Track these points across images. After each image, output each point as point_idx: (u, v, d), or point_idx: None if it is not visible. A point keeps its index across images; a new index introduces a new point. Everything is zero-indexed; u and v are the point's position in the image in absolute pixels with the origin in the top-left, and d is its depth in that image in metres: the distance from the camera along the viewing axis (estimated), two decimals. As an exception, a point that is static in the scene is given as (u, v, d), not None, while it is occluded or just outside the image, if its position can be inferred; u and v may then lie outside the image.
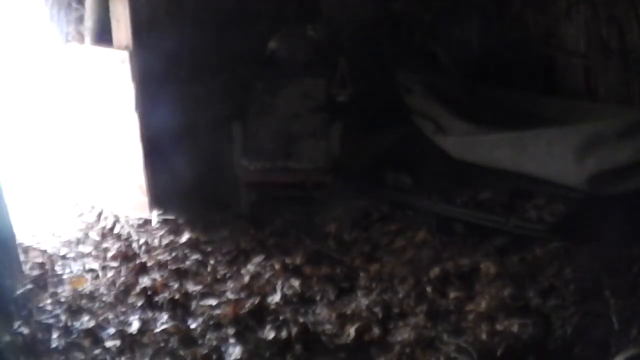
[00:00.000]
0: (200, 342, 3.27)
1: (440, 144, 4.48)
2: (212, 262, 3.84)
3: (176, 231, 4.09)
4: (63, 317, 3.45)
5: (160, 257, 3.88)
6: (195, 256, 3.88)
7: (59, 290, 3.67)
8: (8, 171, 4.09)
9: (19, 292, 3.57)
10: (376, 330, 3.24)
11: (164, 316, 3.46)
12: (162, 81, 4.13)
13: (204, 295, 3.59)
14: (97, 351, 3.26)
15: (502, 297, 3.33)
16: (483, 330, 3.14)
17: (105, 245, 4.03)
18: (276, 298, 3.51)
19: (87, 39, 4.13)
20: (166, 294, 3.60)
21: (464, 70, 4.90)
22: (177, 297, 3.57)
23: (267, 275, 3.69)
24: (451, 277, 3.52)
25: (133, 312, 3.50)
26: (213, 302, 3.53)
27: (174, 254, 3.90)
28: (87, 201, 4.37)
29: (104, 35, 4.08)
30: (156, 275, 3.75)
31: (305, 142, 4.30)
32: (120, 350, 3.26)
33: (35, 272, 3.77)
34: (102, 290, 3.66)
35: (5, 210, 3.59)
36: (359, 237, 3.93)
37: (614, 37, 4.37)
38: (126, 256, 3.92)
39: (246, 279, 3.68)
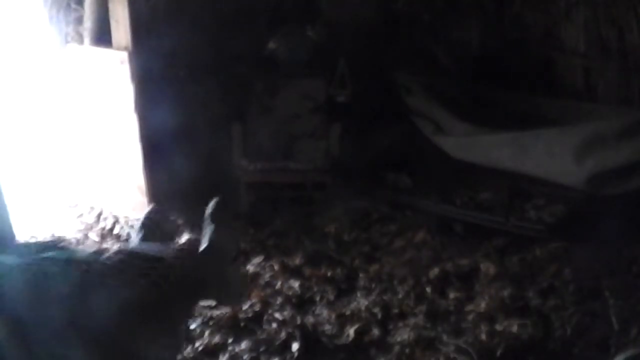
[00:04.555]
0: (199, 342, 3.27)
1: (440, 144, 4.47)
2: (211, 262, 3.83)
3: (176, 232, 4.08)
4: (62, 318, 3.45)
5: (159, 258, 3.88)
6: (195, 257, 3.88)
7: (59, 291, 3.67)
8: (8, 171, 4.09)
9: (18, 293, 3.57)
10: (376, 331, 3.24)
11: (164, 317, 3.46)
12: (161, 81, 4.13)
13: (203, 295, 3.59)
14: (96, 352, 3.26)
15: (502, 297, 3.33)
16: (483, 331, 3.14)
17: (104, 246, 4.03)
18: (276, 298, 3.51)
19: (87, 39, 4.13)
20: (166, 295, 3.60)
21: (463, 71, 4.89)
22: (176, 297, 3.57)
23: (266, 276, 3.69)
24: (451, 278, 3.52)
25: (132, 312, 3.50)
26: (213, 302, 3.53)
27: (173, 255, 3.90)
28: (86, 202, 4.37)
29: (103, 36, 4.07)
30: (156, 276, 3.75)
31: (304, 143, 4.31)
32: (120, 351, 3.26)
33: (35, 273, 3.77)
34: (102, 291, 3.67)
35: (5, 211, 3.59)
36: (359, 238, 3.92)
37: (614, 37, 4.37)
38: (126, 257, 3.92)
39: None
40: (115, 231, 4.14)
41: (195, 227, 4.03)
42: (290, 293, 3.54)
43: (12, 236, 3.68)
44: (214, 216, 2.23)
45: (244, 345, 3.24)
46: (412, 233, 3.89)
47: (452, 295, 3.41)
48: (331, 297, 3.51)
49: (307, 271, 3.70)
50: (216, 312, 3.45)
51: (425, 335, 3.18)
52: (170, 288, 2.21)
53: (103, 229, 4.18)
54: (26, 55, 4.26)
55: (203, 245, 2.31)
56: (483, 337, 3.11)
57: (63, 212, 4.35)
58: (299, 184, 4.30)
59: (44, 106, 4.39)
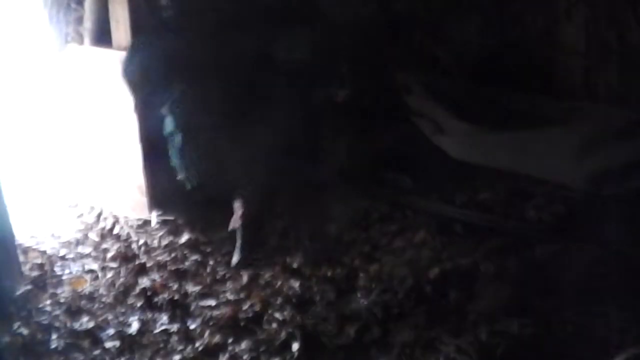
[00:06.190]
0: (199, 342, 3.27)
1: (440, 144, 4.47)
2: (211, 262, 3.84)
3: (175, 232, 4.09)
4: (62, 318, 3.46)
5: (159, 258, 3.88)
6: (195, 257, 3.88)
7: (59, 291, 3.67)
8: (8, 171, 4.09)
9: (18, 293, 3.57)
10: (376, 331, 3.24)
11: (164, 317, 3.47)
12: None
13: (203, 295, 3.59)
14: (96, 352, 3.27)
15: (502, 297, 3.33)
16: (483, 331, 3.14)
17: (104, 246, 4.03)
18: (276, 299, 3.51)
19: (87, 39, 4.13)
20: (165, 295, 3.60)
21: (463, 71, 4.89)
22: (176, 297, 3.58)
23: (266, 276, 3.69)
24: (451, 278, 3.52)
25: (132, 312, 3.51)
26: (212, 302, 3.53)
27: (173, 255, 3.90)
28: (86, 202, 4.37)
29: (103, 36, 4.08)
30: (155, 276, 3.75)
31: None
32: (120, 351, 3.27)
33: (35, 273, 3.77)
34: (102, 291, 3.67)
35: (5, 211, 3.59)
36: (359, 238, 3.92)
37: (614, 37, 4.37)
38: (125, 257, 3.92)
39: (245, 279, 3.68)
40: (115, 231, 4.14)
41: (195, 227, 4.08)
42: (290, 293, 3.54)
43: (12, 236, 3.69)
44: None
45: (244, 345, 3.24)
46: (412, 233, 3.88)
47: (452, 295, 3.41)
48: (331, 297, 3.51)
49: (307, 271, 3.71)
50: (216, 312, 3.45)
51: (425, 335, 3.18)
52: None
53: (103, 229, 4.18)
54: (26, 56, 4.26)
55: None
56: (483, 337, 3.12)
57: (63, 212, 4.35)
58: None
59: (44, 106, 4.39)
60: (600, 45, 4.44)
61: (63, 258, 3.95)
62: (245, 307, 3.46)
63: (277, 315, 3.40)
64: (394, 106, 4.68)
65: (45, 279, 3.75)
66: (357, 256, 3.79)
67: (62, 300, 3.58)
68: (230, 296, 3.57)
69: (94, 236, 4.13)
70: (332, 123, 4.33)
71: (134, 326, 3.41)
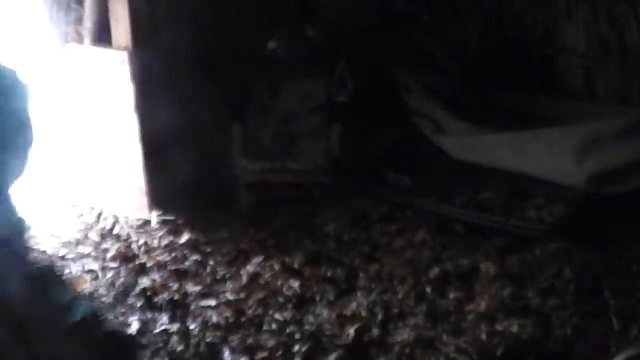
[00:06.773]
0: (199, 342, 3.27)
1: (440, 144, 4.48)
2: (211, 262, 3.83)
3: (175, 232, 4.09)
4: (62, 318, 3.46)
5: (159, 258, 3.88)
6: (195, 257, 3.88)
7: (59, 291, 3.67)
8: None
9: (18, 292, 3.57)
10: (376, 331, 3.24)
11: (164, 317, 3.46)
12: (161, 81, 4.13)
13: (203, 295, 3.59)
14: (96, 352, 3.26)
15: (502, 297, 3.33)
16: (483, 331, 3.14)
17: (104, 246, 4.03)
18: (276, 299, 3.51)
19: (86, 39, 4.13)
20: (165, 295, 3.60)
21: (463, 71, 4.89)
22: (176, 297, 3.57)
23: (266, 276, 3.69)
24: (451, 278, 3.51)
25: (132, 312, 3.50)
26: (212, 302, 3.53)
27: (173, 255, 3.90)
28: (86, 202, 4.37)
29: (103, 35, 4.08)
30: (155, 276, 3.75)
31: (304, 143, 4.30)
32: (120, 351, 3.26)
33: (35, 273, 3.77)
34: (102, 291, 3.67)
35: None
36: (359, 237, 3.92)
37: (614, 37, 4.37)
38: (125, 257, 3.92)
39: (245, 279, 3.68)
40: (115, 231, 4.14)
41: (195, 227, 4.08)
42: (290, 293, 3.54)
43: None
44: None
45: (243, 345, 3.24)
46: (412, 233, 3.88)
47: (452, 295, 3.41)
48: (331, 297, 3.51)
49: (307, 271, 3.70)
50: (216, 313, 3.45)
51: (425, 335, 3.18)
52: None
53: (103, 229, 4.18)
54: (26, 55, 4.26)
55: None
56: (483, 337, 3.11)
57: (63, 212, 4.35)
58: (299, 184, 4.30)
59: (44, 106, 4.38)
60: (600, 45, 4.44)
61: (63, 258, 3.95)
62: (245, 307, 3.46)
63: (277, 315, 3.39)
64: (394, 106, 4.69)
65: (45, 279, 3.74)
66: (357, 256, 3.78)
67: (62, 300, 3.58)
68: (230, 296, 3.57)
69: (94, 236, 4.13)
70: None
71: (134, 326, 3.40)
